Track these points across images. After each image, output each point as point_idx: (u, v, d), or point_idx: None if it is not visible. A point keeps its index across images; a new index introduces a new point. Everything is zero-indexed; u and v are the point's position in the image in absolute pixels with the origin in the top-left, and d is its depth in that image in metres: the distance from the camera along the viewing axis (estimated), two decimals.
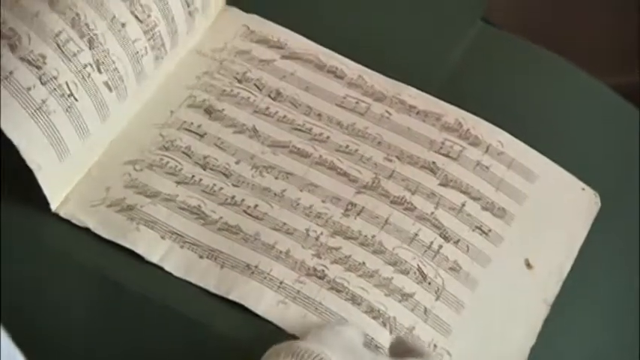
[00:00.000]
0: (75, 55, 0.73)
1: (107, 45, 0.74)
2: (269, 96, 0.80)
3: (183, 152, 0.77)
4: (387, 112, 0.80)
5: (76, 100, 0.73)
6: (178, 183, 0.75)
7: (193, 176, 0.75)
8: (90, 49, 0.74)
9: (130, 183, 0.75)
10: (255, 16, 0.84)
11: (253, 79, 0.81)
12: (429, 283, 0.73)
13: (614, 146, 0.85)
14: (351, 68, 0.82)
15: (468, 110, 0.81)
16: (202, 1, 0.81)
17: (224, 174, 0.76)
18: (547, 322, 0.74)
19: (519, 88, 0.85)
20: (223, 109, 0.79)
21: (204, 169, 0.76)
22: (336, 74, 0.82)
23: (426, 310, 0.72)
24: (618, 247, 0.80)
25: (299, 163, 0.77)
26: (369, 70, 0.82)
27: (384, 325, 0.70)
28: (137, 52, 0.76)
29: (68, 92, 0.72)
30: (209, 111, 0.79)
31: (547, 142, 0.81)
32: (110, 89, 0.75)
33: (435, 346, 0.72)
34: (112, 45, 0.75)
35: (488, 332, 0.74)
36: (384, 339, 0.70)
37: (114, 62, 0.75)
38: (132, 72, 0.76)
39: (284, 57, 0.82)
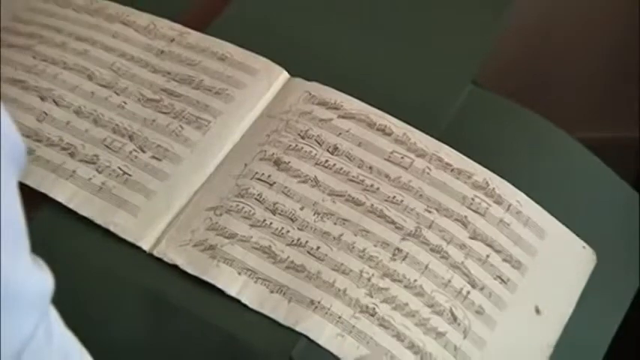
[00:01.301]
0: (120, 148, 0.83)
1: (145, 134, 0.84)
2: (328, 150, 0.84)
3: (256, 199, 0.80)
4: (427, 167, 0.83)
5: (130, 175, 0.82)
6: (252, 226, 0.79)
7: (265, 220, 0.79)
8: (131, 141, 0.84)
9: (211, 226, 0.79)
10: (316, 83, 0.88)
11: (314, 135, 0.84)
12: (459, 324, 0.77)
13: (588, 201, 0.89)
14: (398, 126, 0.85)
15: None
16: (225, 82, 0.88)
17: (290, 219, 0.79)
18: None
19: (506, 146, 0.89)
20: (289, 162, 0.83)
21: (274, 214, 0.79)
22: (384, 132, 0.85)
23: (455, 347, 0.76)
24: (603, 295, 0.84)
25: (354, 211, 0.80)
26: (413, 129, 0.85)
27: (422, 359, 0.75)
28: (173, 131, 0.84)
29: (122, 172, 0.82)
30: (277, 163, 0.82)
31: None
32: (159, 159, 0.83)
33: None
34: (149, 134, 0.84)
35: None
36: None
37: (154, 142, 0.84)
38: (175, 142, 0.83)
39: (340, 117, 0.86)
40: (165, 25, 0.92)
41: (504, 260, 0.81)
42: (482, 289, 0.79)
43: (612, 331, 0.83)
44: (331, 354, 0.74)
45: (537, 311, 0.80)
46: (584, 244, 0.84)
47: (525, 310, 0.80)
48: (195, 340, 0.75)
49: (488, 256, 0.80)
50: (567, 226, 0.84)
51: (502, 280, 0.80)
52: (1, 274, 0.45)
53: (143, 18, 0.93)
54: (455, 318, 0.77)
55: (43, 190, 0.80)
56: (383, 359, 0.73)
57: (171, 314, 0.76)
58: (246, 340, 0.74)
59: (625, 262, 0.86)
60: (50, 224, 0.80)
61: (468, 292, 0.78)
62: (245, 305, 0.76)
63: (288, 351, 0.74)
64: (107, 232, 0.79)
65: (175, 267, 0.77)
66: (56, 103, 0.86)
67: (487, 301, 0.78)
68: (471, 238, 0.81)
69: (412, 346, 0.75)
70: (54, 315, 0.53)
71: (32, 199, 0.78)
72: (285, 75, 0.89)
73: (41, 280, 0.50)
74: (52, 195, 0.80)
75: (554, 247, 0.83)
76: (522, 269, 0.81)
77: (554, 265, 0.83)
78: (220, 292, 0.76)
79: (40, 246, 0.76)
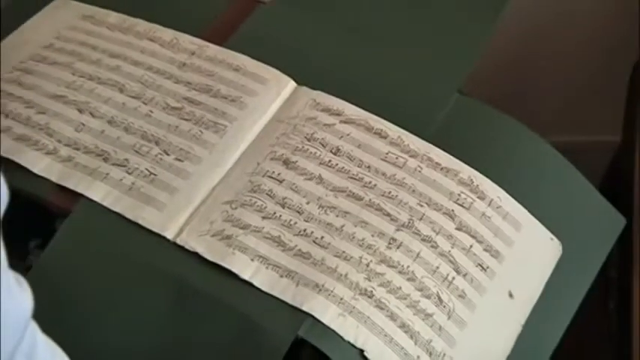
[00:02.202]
0: (148, 152, 0.87)
1: (169, 139, 0.88)
2: (331, 151, 0.87)
3: (267, 194, 0.84)
4: (419, 166, 0.87)
5: (155, 175, 0.86)
6: (263, 218, 0.82)
7: (275, 213, 0.83)
8: (157, 145, 0.88)
9: (227, 218, 0.83)
10: (320, 92, 0.92)
11: (319, 138, 0.88)
12: (444, 307, 0.80)
13: (556, 199, 0.91)
14: (393, 130, 0.89)
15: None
16: (239, 93, 0.92)
17: (298, 211, 0.83)
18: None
19: (488, 148, 0.91)
20: (297, 161, 0.86)
21: (283, 208, 0.83)
22: (381, 135, 0.88)
23: (440, 327, 0.80)
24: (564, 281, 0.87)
25: (354, 205, 0.83)
26: (406, 132, 0.89)
27: (411, 337, 0.78)
28: (194, 135, 0.88)
29: (148, 173, 0.86)
30: (286, 162, 0.86)
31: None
32: (181, 160, 0.87)
33: (444, 354, 0.79)
34: (173, 138, 0.89)
35: (480, 345, 0.81)
36: (411, 348, 0.78)
37: (177, 145, 0.88)
38: (195, 145, 0.88)
39: (342, 122, 0.89)
40: (186, 40, 0.97)
41: (485, 250, 0.84)
42: (465, 275, 0.83)
43: (572, 312, 0.87)
44: (333, 333, 0.77)
45: (511, 295, 0.84)
46: (552, 236, 0.88)
47: (501, 295, 0.84)
48: (212, 319, 0.78)
49: (471, 246, 0.84)
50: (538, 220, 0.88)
51: (482, 268, 0.84)
52: None
53: (168, 34, 0.98)
54: (441, 301, 0.81)
55: (80, 190, 0.85)
56: None
57: (191, 296, 0.79)
58: (259, 320, 0.77)
59: (586, 253, 0.90)
60: (85, 220, 0.84)
61: (453, 278, 0.82)
62: (257, 289, 0.79)
63: (296, 330, 0.77)
64: (136, 225, 0.84)
65: (196, 254, 0.81)
66: (92, 115, 0.91)
67: (469, 287, 0.82)
68: (457, 229, 0.84)
69: (403, 325, 0.78)
70: (35, 328, 0.53)
71: (70, 198, 0.86)
72: (292, 84, 0.93)
73: (21, 302, 0.50)
74: (88, 195, 0.85)
75: (527, 239, 0.87)
76: (500, 258, 0.85)
77: (526, 254, 0.87)
78: (235, 277, 0.79)
79: (77, 240, 0.81)
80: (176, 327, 0.79)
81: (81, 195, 0.85)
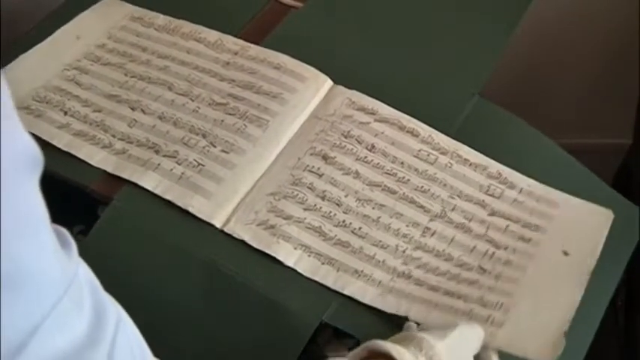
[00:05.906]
0: (196, 144, 0.89)
1: (215, 132, 0.90)
2: (367, 148, 0.88)
3: (308, 187, 0.85)
4: (449, 162, 0.88)
5: (203, 165, 0.87)
6: (305, 209, 0.84)
7: (316, 205, 0.84)
8: (204, 138, 0.89)
9: (271, 209, 0.84)
10: (356, 92, 0.94)
11: (355, 135, 0.89)
12: (489, 273, 0.79)
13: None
14: (424, 129, 0.90)
15: None
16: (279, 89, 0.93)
17: (337, 204, 0.84)
18: None
19: (502, 148, 0.91)
20: (335, 157, 0.88)
21: (323, 200, 0.84)
22: (413, 133, 0.90)
23: (489, 287, 0.78)
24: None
25: (389, 198, 0.85)
26: (436, 131, 0.90)
27: (459, 298, 0.77)
28: (238, 129, 0.90)
29: (196, 164, 0.87)
30: (325, 158, 0.88)
31: None
32: (227, 152, 0.88)
33: (501, 303, 0.76)
34: (219, 132, 0.90)
35: (543, 297, 0.78)
36: (460, 305, 0.76)
37: (223, 138, 0.89)
38: (240, 138, 0.89)
39: (376, 120, 0.91)
40: (229, 41, 0.99)
41: (523, 226, 0.84)
42: (506, 248, 0.82)
43: (604, 305, 0.84)
44: (354, 318, 0.78)
45: (565, 253, 0.81)
46: (596, 205, 0.85)
47: (553, 256, 0.81)
48: (244, 304, 0.79)
49: (507, 226, 0.84)
50: None
51: (524, 240, 0.82)
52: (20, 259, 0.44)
53: (212, 35, 0.99)
54: (484, 270, 0.80)
55: (134, 180, 0.86)
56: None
57: (225, 282, 0.80)
58: (287, 306, 0.78)
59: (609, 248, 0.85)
60: (126, 208, 0.85)
61: (493, 253, 0.82)
62: (287, 278, 0.80)
63: (321, 315, 0.78)
64: (172, 213, 0.84)
65: (229, 243, 0.82)
66: (143, 112, 0.92)
67: (513, 255, 0.81)
68: (490, 215, 0.84)
69: (447, 293, 0.79)
70: (88, 282, 0.50)
71: (112, 186, 0.87)
72: (329, 82, 0.94)
73: (64, 265, 0.47)
74: (141, 184, 0.86)
75: (568, 211, 0.85)
76: (542, 230, 0.83)
77: (570, 221, 0.84)
78: (267, 267, 0.81)
79: (118, 226, 0.82)
80: (208, 310, 0.79)
81: (122, 184, 0.86)
